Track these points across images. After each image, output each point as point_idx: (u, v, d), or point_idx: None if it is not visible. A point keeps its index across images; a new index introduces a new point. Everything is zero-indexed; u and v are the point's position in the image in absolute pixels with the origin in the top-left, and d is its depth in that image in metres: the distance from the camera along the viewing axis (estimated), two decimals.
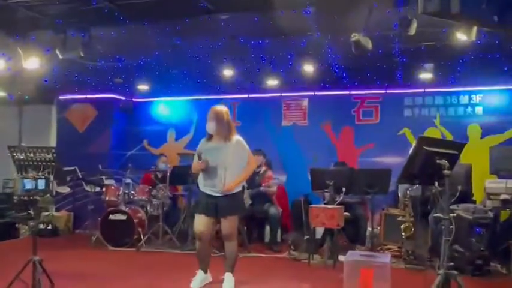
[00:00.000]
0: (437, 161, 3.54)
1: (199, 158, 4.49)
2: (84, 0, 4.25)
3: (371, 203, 6.43)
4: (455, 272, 3.52)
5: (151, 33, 5.25)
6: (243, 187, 4.87)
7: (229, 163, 4.47)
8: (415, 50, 5.43)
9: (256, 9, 4.29)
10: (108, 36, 5.28)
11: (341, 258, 5.62)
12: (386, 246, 6.65)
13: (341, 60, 6.35)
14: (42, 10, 4.57)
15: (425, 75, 7.21)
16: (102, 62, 6.14)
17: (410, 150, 3.84)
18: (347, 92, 8.62)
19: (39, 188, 6.19)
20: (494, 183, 5.70)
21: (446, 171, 3.51)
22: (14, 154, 4.79)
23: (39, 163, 4.62)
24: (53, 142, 9.66)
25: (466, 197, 6.02)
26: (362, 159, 8.39)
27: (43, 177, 4.99)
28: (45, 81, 7.48)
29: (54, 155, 4.56)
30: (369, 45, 4.01)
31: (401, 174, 3.89)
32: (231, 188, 4.49)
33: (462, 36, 3.95)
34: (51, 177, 6.70)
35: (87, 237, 7.52)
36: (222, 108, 4.64)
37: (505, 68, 6.59)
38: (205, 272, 4.71)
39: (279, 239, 7.16)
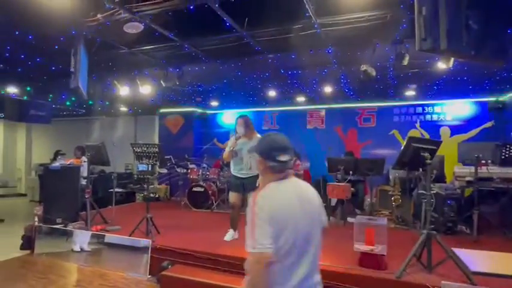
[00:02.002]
0: (422, 154, 3.38)
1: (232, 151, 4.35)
2: (179, 47, 4.32)
3: (369, 181, 6.23)
4: (434, 232, 3.35)
5: (222, 68, 5.25)
6: None
7: (252, 154, 4.32)
8: (404, 75, 5.19)
9: (292, 50, 4.21)
10: (194, 71, 5.31)
11: (349, 219, 5.49)
12: (380, 212, 6.43)
13: (350, 83, 6.16)
14: (153, 54, 4.68)
15: (409, 93, 6.90)
16: (189, 87, 6.21)
17: (402, 146, 3.67)
18: (352, 105, 8.37)
19: (149, 169, 6.35)
20: (461, 169, 5.37)
21: (428, 161, 3.36)
22: (134, 148, 4.94)
23: (149, 154, 4.76)
24: (156, 140, 10.00)
25: (440, 178, 5.73)
26: (363, 151, 8.12)
27: (151, 162, 5.12)
28: (152, 100, 7.70)
29: (158, 148, 4.69)
30: (374, 73, 3.86)
31: (396, 163, 3.72)
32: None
33: (442, 65, 3.75)
34: (156, 163, 6.86)
35: (178, 202, 7.65)
36: (247, 118, 4.44)
37: (470, 87, 6.19)
38: (234, 230, 4.59)
39: None
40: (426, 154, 3.39)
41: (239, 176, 4.38)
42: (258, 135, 4.46)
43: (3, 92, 5.79)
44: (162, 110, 9.89)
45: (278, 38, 3.57)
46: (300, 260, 1.51)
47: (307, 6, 2.78)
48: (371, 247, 3.59)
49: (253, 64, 4.99)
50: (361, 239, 3.65)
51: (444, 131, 7.64)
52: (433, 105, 7.76)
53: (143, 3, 2.82)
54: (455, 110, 7.61)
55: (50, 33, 3.23)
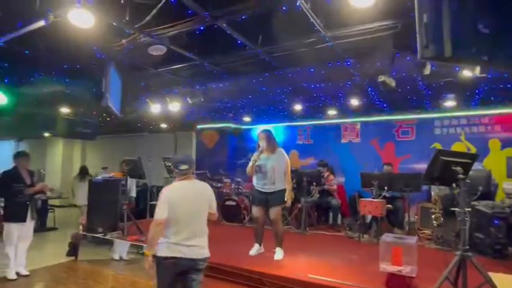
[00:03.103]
0: (453, 168, 3.13)
1: (254, 165, 4.29)
2: (202, 66, 4.49)
3: (408, 198, 5.84)
4: (470, 254, 3.03)
5: (244, 84, 5.32)
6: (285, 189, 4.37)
7: (276, 168, 4.24)
8: (436, 84, 4.87)
9: (309, 63, 4.18)
10: (218, 87, 5.44)
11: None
12: (421, 231, 5.98)
13: (379, 95, 5.91)
14: (179, 73, 4.88)
15: (449, 103, 6.42)
16: (219, 103, 6.39)
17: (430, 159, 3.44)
18: (388, 118, 8.00)
19: None
20: (510, 185, 4.84)
21: (460, 176, 3.09)
22: (165, 162, 5.19)
23: None
24: (193, 154, 10.36)
25: (488, 195, 5.17)
26: (402, 165, 7.66)
27: None
28: (187, 117, 8.03)
29: None
30: (393, 84, 3.68)
31: (424, 177, 3.50)
32: (289, 201, 4.33)
33: (468, 73, 3.46)
34: None
35: None
36: (269, 132, 4.39)
37: None
38: (260, 244, 4.51)
39: (338, 222, 6.82)
40: (458, 168, 3.13)
41: (263, 190, 4.33)
42: (281, 150, 4.42)
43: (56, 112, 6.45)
44: (199, 126, 10.23)
45: (292, 53, 3.59)
46: (185, 227, 2.62)
47: (312, 20, 2.78)
48: (398, 267, 3.36)
49: (274, 79, 5.02)
50: (388, 258, 3.44)
51: (494, 144, 6.95)
52: (479, 116, 7.13)
53: (160, 27, 3.04)
54: (506, 120, 6.92)
55: (84, 60, 3.61)
